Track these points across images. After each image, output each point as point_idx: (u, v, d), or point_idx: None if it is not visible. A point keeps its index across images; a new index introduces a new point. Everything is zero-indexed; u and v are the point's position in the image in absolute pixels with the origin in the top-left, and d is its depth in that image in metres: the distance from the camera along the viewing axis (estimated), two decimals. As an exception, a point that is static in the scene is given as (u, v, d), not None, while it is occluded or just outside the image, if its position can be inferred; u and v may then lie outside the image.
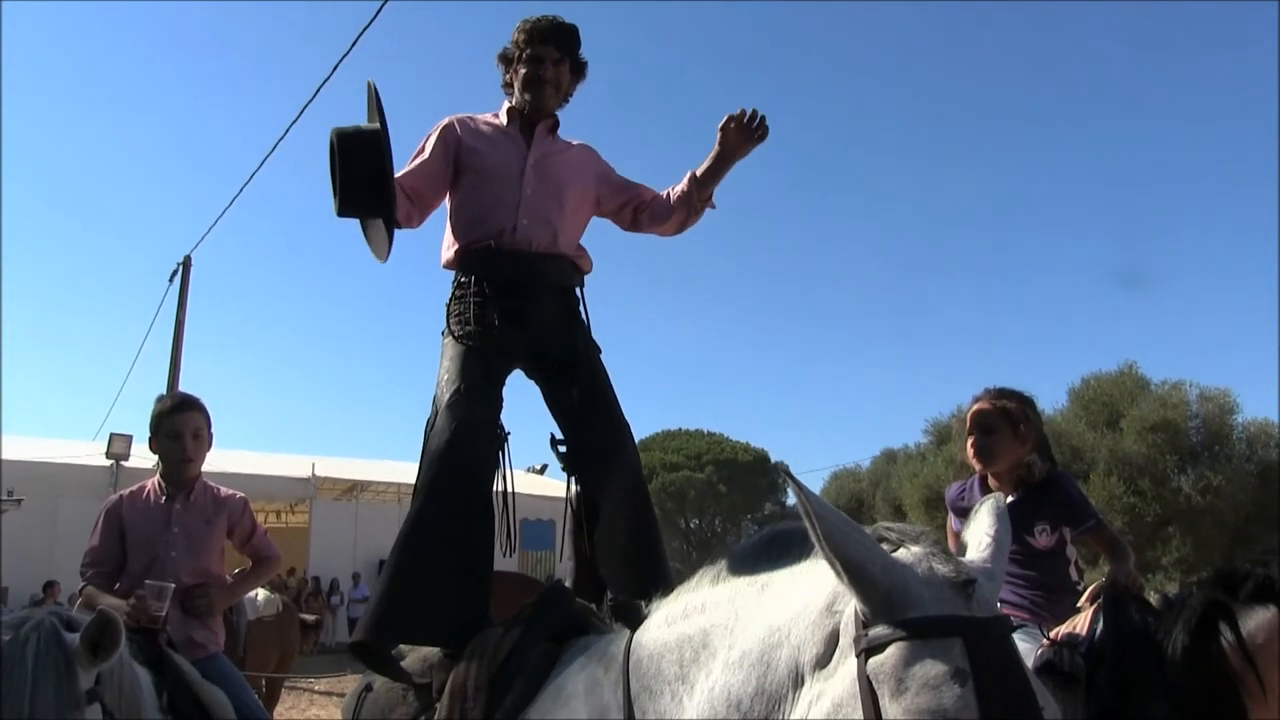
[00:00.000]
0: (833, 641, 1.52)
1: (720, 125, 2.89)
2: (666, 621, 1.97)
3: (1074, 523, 3.00)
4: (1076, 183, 57.21)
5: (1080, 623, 2.43)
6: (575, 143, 3.21)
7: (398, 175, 2.87)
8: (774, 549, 1.84)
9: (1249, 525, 18.81)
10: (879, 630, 1.40)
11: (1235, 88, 54.02)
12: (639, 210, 3.17)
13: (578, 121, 3.22)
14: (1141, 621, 2.20)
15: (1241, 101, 54.22)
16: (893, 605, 1.42)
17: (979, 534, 1.65)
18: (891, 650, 1.37)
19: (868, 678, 1.38)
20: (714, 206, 3.13)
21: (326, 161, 2.73)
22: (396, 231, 2.85)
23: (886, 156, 65.00)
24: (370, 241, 2.90)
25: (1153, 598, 2.55)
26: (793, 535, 1.82)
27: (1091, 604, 2.51)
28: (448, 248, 3.03)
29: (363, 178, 2.69)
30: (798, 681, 1.55)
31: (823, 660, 1.52)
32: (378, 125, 2.69)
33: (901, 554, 1.51)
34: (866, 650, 1.40)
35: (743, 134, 2.89)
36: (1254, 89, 52.61)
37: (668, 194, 3.12)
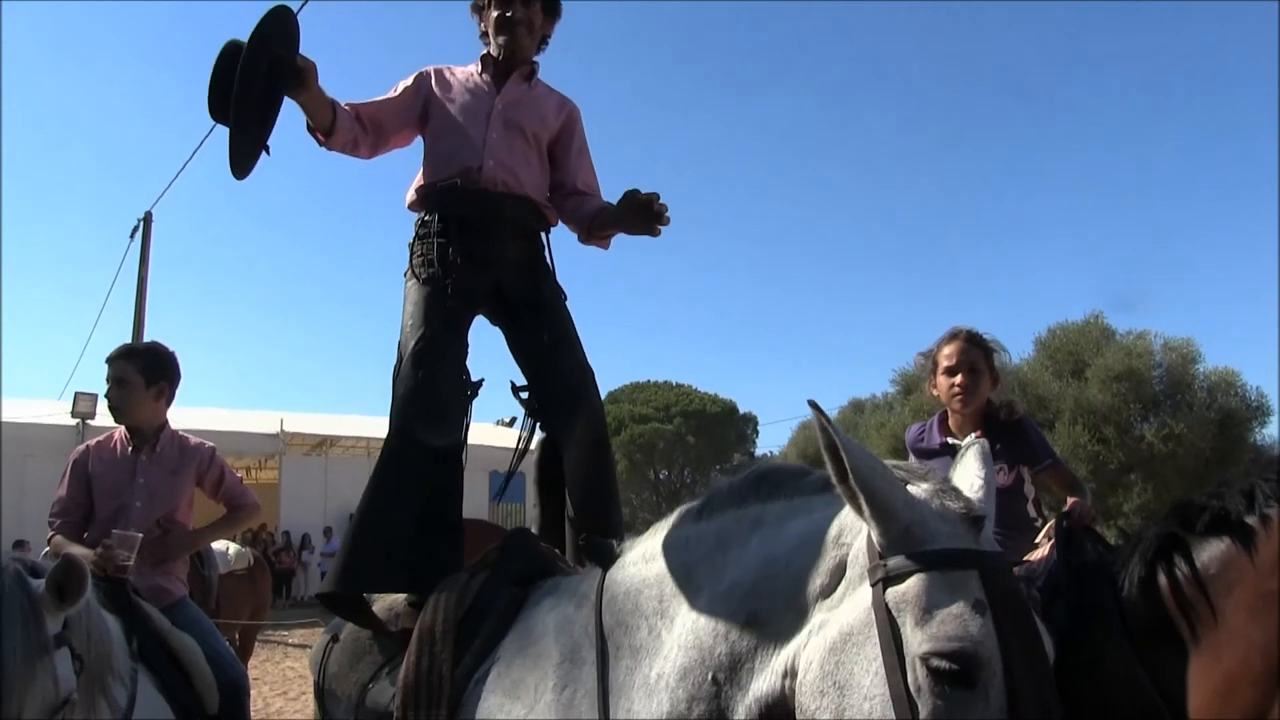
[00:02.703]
0: (839, 573, 1.56)
1: (623, 196, 2.75)
2: (644, 558, 1.98)
3: (1032, 462, 3.05)
4: (1051, 137, 57.37)
5: (1037, 557, 2.48)
6: (559, 95, 3.15)
7: (359, 103, 2.92)
8: (763, 487, 1.85)
9: (1209, 471, 19.10)
10: (898, 561, 1.44)
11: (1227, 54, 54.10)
12: (556, 193, 3.09)
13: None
14: (1096, 554, 2.24)
15: (1218, 69, 54.37)
16: (912, 538, 1.46)
17: (969, 476, 1.70)
18: (913, 581, 1.42)
19: (886, 606, 1.42)
20: (605, 248, 3.05)
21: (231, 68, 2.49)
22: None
23: (860, 113, 64.83)
24: (231, 151, 2.59)
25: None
26: (781, 473, 1.86)
27: (1049, 541, 2.56)
28: (413, 188, 3.02)
29: (250, 91, 2.51)
30: (800, 613, 1.58)
31: (827, 590, 1.56)
32: (281, 52, 2.55)
33: (913, 490, 1.55)
34: (885, 580, 1.44)
35: (641, 214, 2.73)
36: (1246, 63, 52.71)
37: (582, 204, 3.05)
